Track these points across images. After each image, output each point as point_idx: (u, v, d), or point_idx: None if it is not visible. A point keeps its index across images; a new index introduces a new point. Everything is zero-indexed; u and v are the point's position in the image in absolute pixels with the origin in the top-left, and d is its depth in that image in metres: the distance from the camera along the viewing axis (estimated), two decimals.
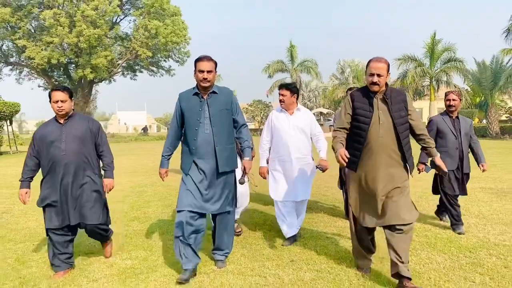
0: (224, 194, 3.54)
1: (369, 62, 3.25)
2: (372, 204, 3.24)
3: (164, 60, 40.75)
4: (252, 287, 3.21)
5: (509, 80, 27.57)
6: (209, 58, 3.46)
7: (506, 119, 35.99)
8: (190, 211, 3.36)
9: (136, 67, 41.33)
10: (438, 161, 3.41)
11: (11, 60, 36.99)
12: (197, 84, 3.51)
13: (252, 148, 4.85)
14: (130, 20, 40.03)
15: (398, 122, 3.19)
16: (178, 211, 3.42)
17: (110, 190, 3.77)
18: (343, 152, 3.13)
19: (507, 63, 28.79)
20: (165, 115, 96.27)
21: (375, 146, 3.20)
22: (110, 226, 3.92)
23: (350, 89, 5.18)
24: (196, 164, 3.45)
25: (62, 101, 3.50)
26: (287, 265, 3.69)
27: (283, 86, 4.42)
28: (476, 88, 31.42)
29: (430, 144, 3.39)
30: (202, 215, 3.46)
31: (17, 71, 38.15)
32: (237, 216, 4.67)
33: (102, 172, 3.77)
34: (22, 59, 35.91)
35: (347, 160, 3.14)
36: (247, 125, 3.75)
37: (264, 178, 4.49)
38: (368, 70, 3.21)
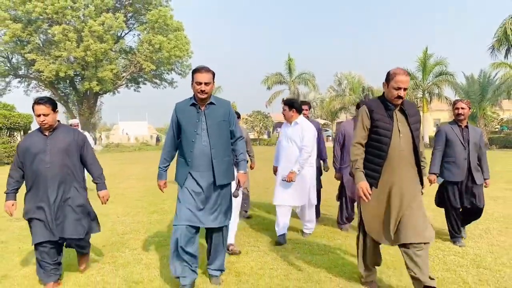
0: (221, 207, 3.44)
1: (393, 74, 3.10)
2: (390, 221, 3.12)
3: (167, 73, 42.30)
4: (248, 252, 4.48)
5: (496, 93, 29.04)
6: (207, 69, 3.38)
7: (496, 130, 37.27)
8: (188, 226, 3.33)
9: (140, 79, 42.83)
10: (425, 180, 3.32)
11: (20, 73, 38.51)
12: (194, 95, 3.43)
13: (251, 159, 5.91)
14: (134, 34, 41.76)
15: (416, 134, 3.15)
16: (175, 225, 3.39)
17: (107, 200, 3.82)
18: (365, 188, 3.07)
19: (494, 77, 30.28)
20: (166, 125, 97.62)
21: (397, 159, 3.10)
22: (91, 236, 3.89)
23: (362, 101, 5.18)
24: (192, 177, 3.37)
25: (44, 115, 3.42)
26: (273, 241, 4.95)
27: (283, 101, 4.95)
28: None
29: (423, 163, 3.31)
30: (198, 229, 3.44)
31: (26, 83, 39.67)
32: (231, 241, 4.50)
33: (89, 183, 3.87)
34: (31, 72, 37.43)
35: (369, 197, 3.07)
36: (243, 137, 3.72)
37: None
38: (394, 83, 3.07)
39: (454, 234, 4.74)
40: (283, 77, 42.29)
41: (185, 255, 3.34)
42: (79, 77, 37.92)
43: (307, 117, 5.63)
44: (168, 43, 36.46)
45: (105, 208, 7.22)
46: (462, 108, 4.64)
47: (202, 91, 3.32)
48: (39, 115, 3.42)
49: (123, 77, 39.52)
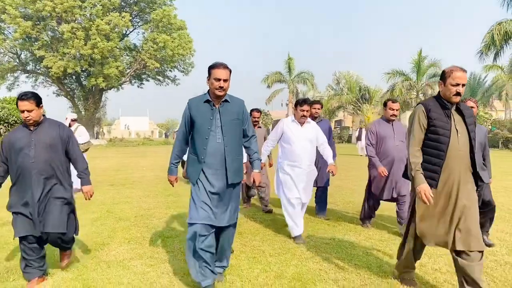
0: (231, 206, 3.42)
1: (449, 72, 3.09)
2: (451, 225, 3.05)
3: (170, 70, 43.67)
4: (248, 221, 5.86)
5: (486, 95, 30.49)
6: (225, 66, 3.33)
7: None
8: (204, 224, 3.27)
9: (143, 76, 44.19)
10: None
11: (28, 68, 39.84)
12: (208, 92, 3.39)
13: (269, 157, 6.54)
14: (139, 32, 43.14)
15: (472, 135, 3.09)
16: (191, 224, 3.32)
17: (91, 197, 3.74)
18: (428, 191, 3.02)
19: (484, 79, 31.76)
20: (167, 121, 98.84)
21: (456, 159, 3.06)
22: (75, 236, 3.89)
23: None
24: (205, 174, 3.33)
25: (28, 111, 3.37)
26: (263, 215, 6.33)
27: (307, 102, 4.90)
28: None
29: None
30: (213, 228, 3.34)
31: (33, 78, 41.02)
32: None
33: (74, 180, 3.81)
34: (38, 68, 38.79)
35: (431, 200, 3.01)
36: (256, 136, 3.68)
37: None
38: (451, 80, 3.05)
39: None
40: (283, 76, 43.57)
41: (204, 253, 3.28)
42: (85, 73, 39.24)
43: (319, 116, 5.96)
44: (172, 41, 37.78)
45: (126, 192, 8.67)
46: (472, 107, 4.57)
47: (221, 88, 3.27)
48: (23, 111, 3.39)
49: (128, 73, 40.85)
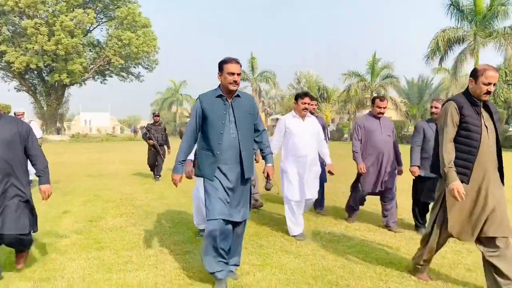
0: (246, 201, 3.45)
1: (482, 70, 3.10)
2: (480, 218, 3.09)
3: (134, 67, 44.05)
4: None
5: (432, 96, 33.13)
6: (237, 61, 3.37)
7: None
8: (223, 220, 3.28)
9: (107, 72, 44.31)
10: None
11: None
12: (220, 86, 3.39)
13: (256, 152, 5.84)
14: (102, 28, 43.19)
15: (499, 131, 3.15)
16: (210, 220, 3.31)
17: (48, 197, 3.53)
18: (461, 188, 3.01)
19: (431, 81, 34.46)
20: (129, 117, 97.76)
21: (486, 155, 3.11)
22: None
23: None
24: (221, 170, 3.32)
25: None
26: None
27: (308, 96, 4.94)
28: (407, 101, 36.88)
29: None
30: (230, 223, 3.36)
31: None
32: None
33: (32, 178, 3.64)
34: None
35: (464, 197, 3.01)
36: (266, 130, 3.70)
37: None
38: (484, 78, 3.07)
39: (418, 224, 5.18)
40: (246, 74, 44.87)
41: (220, 250, 3.32)
42: (47, 69, 39.04)
43: (312, 113, 5.75)
44: (137, 39, 38.30)
45: (104, 181, 9.73)
46: (436, 107, 4.91)
47: (235, 82, 3.30)
48: None
49: (91, 69, 40.94)
